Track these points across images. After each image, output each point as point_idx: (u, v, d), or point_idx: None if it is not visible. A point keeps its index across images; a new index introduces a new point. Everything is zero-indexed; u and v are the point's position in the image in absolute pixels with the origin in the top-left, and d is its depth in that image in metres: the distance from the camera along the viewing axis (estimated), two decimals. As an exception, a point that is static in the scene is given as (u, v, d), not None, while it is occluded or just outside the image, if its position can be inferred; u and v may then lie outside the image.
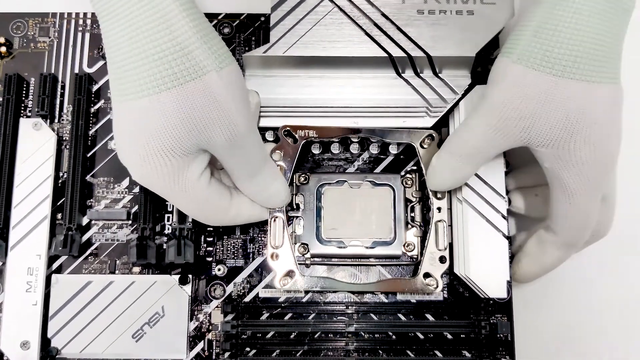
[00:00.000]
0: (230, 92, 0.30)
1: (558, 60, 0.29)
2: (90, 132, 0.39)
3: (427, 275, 0.36)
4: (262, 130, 0.37)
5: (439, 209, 0.37)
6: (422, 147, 0.37)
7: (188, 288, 0.37)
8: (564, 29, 0.29)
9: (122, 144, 0.32)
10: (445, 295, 0.37)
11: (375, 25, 0.36)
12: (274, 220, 0.36)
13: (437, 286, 0.36)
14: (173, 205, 0.38)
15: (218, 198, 0.34)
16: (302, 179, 0.38)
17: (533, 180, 0.37)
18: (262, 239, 0.38)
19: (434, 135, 0.37)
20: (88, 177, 0.39)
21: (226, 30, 0.41)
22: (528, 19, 0.30)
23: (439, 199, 0.37)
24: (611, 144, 0.31)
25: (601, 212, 0.33)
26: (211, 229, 0.38)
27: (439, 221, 0.36)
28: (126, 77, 0.30)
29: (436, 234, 0.36)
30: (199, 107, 0.30)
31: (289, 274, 0.36)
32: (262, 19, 0.41)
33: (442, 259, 0.36)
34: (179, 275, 0.37)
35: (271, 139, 0.38)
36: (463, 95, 0.37)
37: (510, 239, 0.37)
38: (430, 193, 0.37)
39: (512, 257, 0.37)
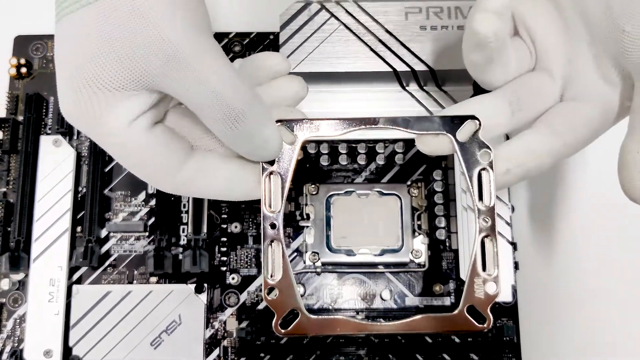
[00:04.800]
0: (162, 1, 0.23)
1: None
2: (108, 148, 0.41)
3: (472, 309, 0.28)
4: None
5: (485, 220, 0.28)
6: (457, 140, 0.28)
7: (203, 297, 0.38)
8: None
9: (57, 70, 0.25)
10: (452, 301, 0.39)
11: (380, 41, 0.38)
12: (271, 243, 0.28)
13: (487, 321, 0.28)
14: (188, 217, 0.39)
15: (162, 152, 0.26)
16: (311, 189, 0.40)
17: None
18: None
19: (478, 122, 0.28)
20: (106, 191, 0.40)
21: (237, 48, 0.42)
22: None
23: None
24: None
25: None
26: (225, 239, 0.40)
27: (487, 236, 0.28)
28: None
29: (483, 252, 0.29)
30: (125, 23, 0.23)
31: (291, 314, 0.28)
32: (271, 37, 0.42)
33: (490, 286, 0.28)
34: (195, 285, 0.38)
35: None
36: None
37: (515, 245, 0.38)
38: (479, 199, 0.28)
39: (516, 263, 0.38)
